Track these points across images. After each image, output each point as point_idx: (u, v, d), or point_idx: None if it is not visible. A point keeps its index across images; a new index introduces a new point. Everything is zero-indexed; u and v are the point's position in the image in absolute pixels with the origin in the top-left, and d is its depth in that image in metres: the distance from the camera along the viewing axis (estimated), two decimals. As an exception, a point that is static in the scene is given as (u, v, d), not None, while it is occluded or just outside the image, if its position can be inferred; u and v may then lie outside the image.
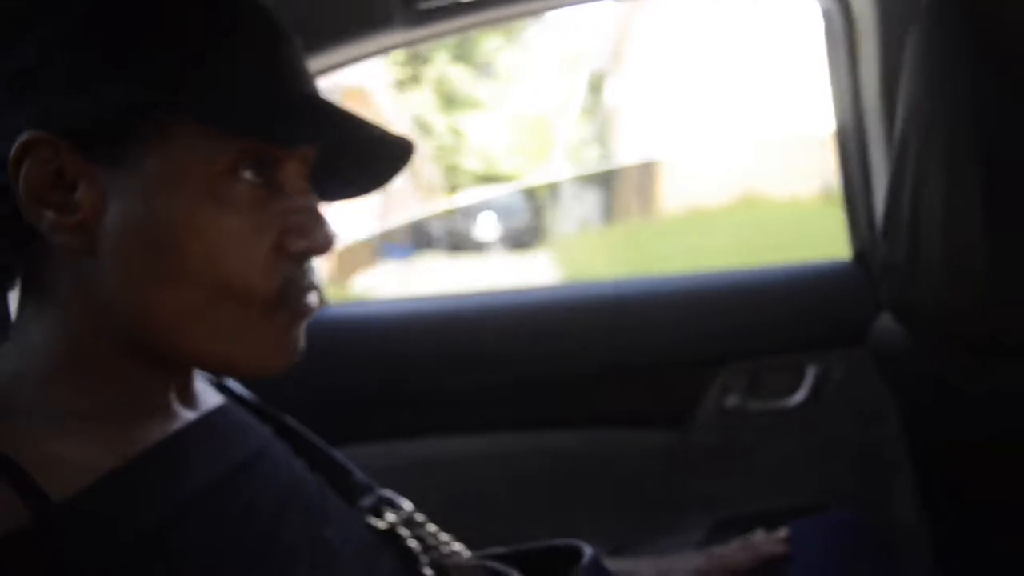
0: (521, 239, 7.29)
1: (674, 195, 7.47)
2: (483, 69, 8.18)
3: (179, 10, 0.50)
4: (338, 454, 0.71)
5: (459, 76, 7.97)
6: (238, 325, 0.52)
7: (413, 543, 0.66)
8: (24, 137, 0.48)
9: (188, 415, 0.57)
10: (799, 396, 1.27)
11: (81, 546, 0.44)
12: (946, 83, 0.72)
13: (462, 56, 7.81)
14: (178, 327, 0.51)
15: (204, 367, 0.58)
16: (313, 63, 0.89)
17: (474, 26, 1.15)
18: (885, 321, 0.93)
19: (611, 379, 1.28)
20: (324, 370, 1.20)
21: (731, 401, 1.27)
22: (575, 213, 7.96)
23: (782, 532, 0.85)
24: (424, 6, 1.04)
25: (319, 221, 0.53)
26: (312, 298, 0.55)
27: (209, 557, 0.49)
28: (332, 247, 0.54)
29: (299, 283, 0.53)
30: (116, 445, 0.50)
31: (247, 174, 0.51)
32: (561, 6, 1.16)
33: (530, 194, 7.83)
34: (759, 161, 7.33)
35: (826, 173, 7.13)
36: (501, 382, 1.27)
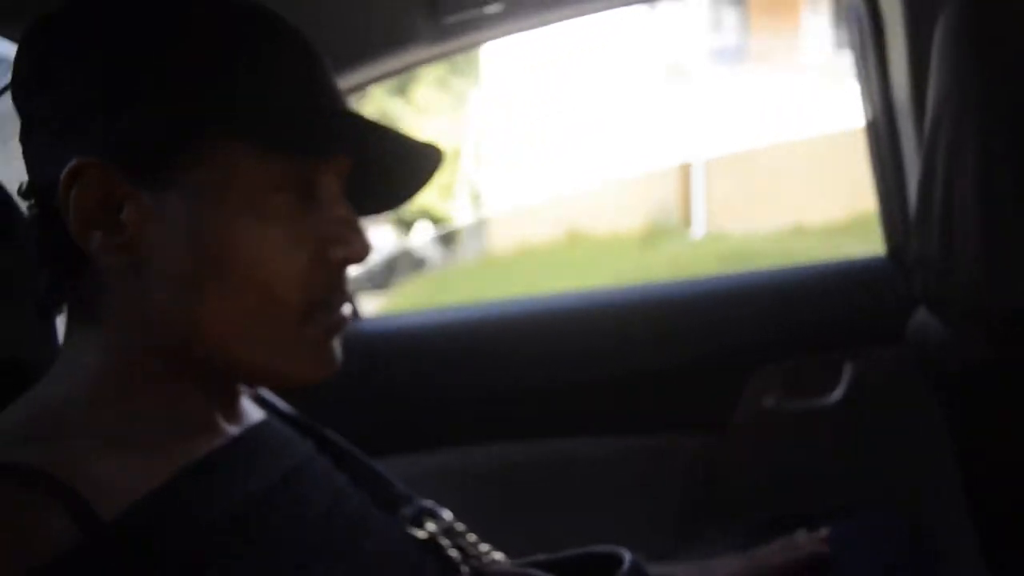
0: (376, 281, 7.44)
1: (507, 234, 7.91)
2: (419, 105, 8.08)
3: (218, 35, 0.52)
4: (379, 466, 0.72)
5: (397, 112, 7.89)
6: (279, 335, 0.53)
7: (453, 552, 0.67)
8: (73, 163, 0.50)
9: (232, 430, 0.58)
10: (837, 394, 1.26)
11: (131, 564, 0.46)
12: (975, 73, 0.71)
13: (399, 91, 7.73)
14: (224, 340, 0.53)
15: (249, 380, 0.59)
16: (341, 82, 0.91)
17: (497, 38, 1.16)
18: (922, 316, 0.91)
19: (647, 382, 1.27)
20: (361, 383, 1.22)
21: (768, 401, 1.26)
22: (451, 250, 8.22)
23: (823, 532, 0.84)
24: (449, 21, 1.05)
25: (356, 230, 0.55)
26: (346, 308, 0.56)
27: (251, 570, 0.51)
28: (369, 255, 0.55)
29: (335, 292, 0.55)
30: (163, 463, 0.51)
31: (286, 187, 0.53)
32: (577, 16, 1.16)
33: (437, 237, 8.08)
34: (584, 200, 7.67)
35: (645, 209, 7.40)
36: (536, 388, 1.28)
